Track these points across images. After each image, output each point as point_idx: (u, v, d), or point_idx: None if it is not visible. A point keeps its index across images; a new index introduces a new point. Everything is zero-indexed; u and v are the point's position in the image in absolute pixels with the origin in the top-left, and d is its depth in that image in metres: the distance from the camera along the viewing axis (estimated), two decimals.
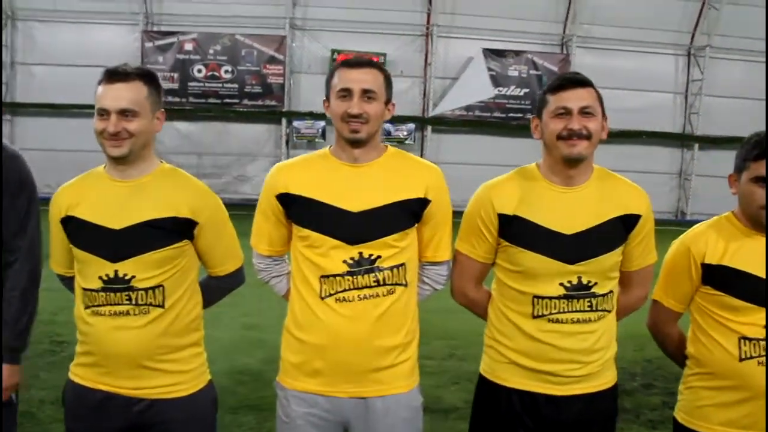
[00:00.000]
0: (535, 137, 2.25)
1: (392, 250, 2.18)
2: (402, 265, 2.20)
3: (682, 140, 17.22)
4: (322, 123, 15.44)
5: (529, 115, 16.03)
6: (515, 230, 2.21)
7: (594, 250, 2.17)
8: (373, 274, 2.15)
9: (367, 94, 2.16)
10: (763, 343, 2.17)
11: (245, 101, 15.27)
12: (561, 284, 2.18)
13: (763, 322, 2.18)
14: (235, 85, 15.40)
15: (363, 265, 2.15)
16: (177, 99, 15.16)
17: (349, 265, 2.15)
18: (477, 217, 2.26)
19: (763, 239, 2.22)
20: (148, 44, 15.03)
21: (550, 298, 2.19)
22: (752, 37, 15.90)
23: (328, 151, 2.27)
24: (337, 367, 2.17)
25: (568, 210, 2.20)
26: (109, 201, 2.16)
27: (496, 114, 15.97)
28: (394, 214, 2.18)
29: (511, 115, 16.10)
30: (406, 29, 15.90)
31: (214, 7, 14.90)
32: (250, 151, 15.60)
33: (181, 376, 2.22)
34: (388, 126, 15.74)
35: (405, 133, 15.93)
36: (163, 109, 2.25)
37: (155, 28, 15.27)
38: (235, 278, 2.38)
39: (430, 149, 16.24)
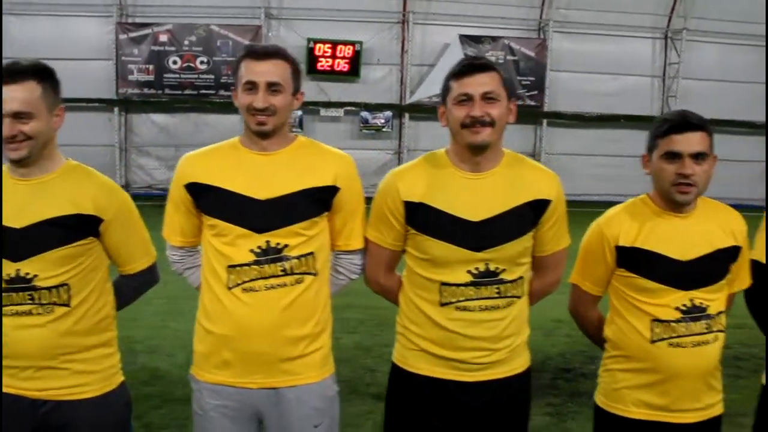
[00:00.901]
0: (442, 125, 2.23)
1: (300, 238, 2.18)
2: (311, 254, 2.20)
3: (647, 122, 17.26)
4: (299, 113, 15.38)
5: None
6: (421, 218, 2.21)
7: (501, 237, 2.17)
8: (281, 264, 2.16)
9: (272, 87, 2.14)
10: (674, 324, 2.19)
11: (221, 92, 15.17)
12: (468, 271, 2.18)
13: (675, 304, 2.19)
14: (211, 76, 15.29)
15: (270, 254, 2.15)
16: (153, 91, 15.05)
17: (256, 254, 2.15)
18: (384, 205, 2.26)
19: (676, 220, 2.24)
20: (123, 36, 14.89)
21: (457, 285, 2.18)
22: (728, 20, 15.94)
23: (238, 140, 2.26)
24: (245, 358, 2.18)
25: (475, 197, 2.19)
26: (10, 201, 2.12)
27: None
28: (302, 202, 2.18)
29: None
30: (383, 17, 15.82)
31: None
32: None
33: (88, 376, 2.19)
34: (365, 114, 15.73)
35: (382, 121, 15.89)
36: (62, 105, 2.18)
37: (129, 20, 15.13)
38: (148, 276, 2.35)
39: (408, 136, 16.22)
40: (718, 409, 2.31)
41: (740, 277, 2.35)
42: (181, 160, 2.29)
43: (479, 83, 2.12)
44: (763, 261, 2.36)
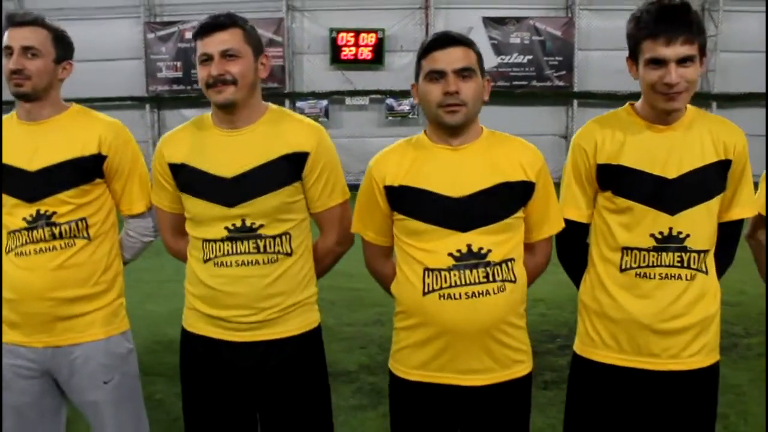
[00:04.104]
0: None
1: (68, 206, 2.26)
2: (82, 219, 2.28)
3: (698, 99, 16.52)
4: (325, 102, 15.51)
5: (534, 83, 15.97)
6: None
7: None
8: (49, 228, 2.25)
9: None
10: (444, 273, 2.00)
11: None
12: (226, 227, 2.17)
13: (448, 249, 2.00)
14: None
15: (39, 221, 2.25)
16: (182, 87, 15.41)
17: (27, 222, 2.25)
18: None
19: (448, 153, 2.06)
20: (150, 35, 15.32)
21: (215, 241, 2.19)
22: None
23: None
24: (26, 319, 2.29)
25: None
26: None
27: (500, 83, 15.65)
28: (67, 171, 2.27)
29: (516, 83, 15.77)
30: (405, 3, 15.68)
31: None
32: None
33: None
34: (390, 101, 15.72)
35: (408, 108, 15.84)
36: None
37: (157, 19, 15.56)
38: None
39: None
40: (516, 371, 2.11)
41: (551, 219, 2.14)
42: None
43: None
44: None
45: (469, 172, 2.05)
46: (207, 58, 2.11)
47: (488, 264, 2.02)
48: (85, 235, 2.29)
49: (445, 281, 2.01)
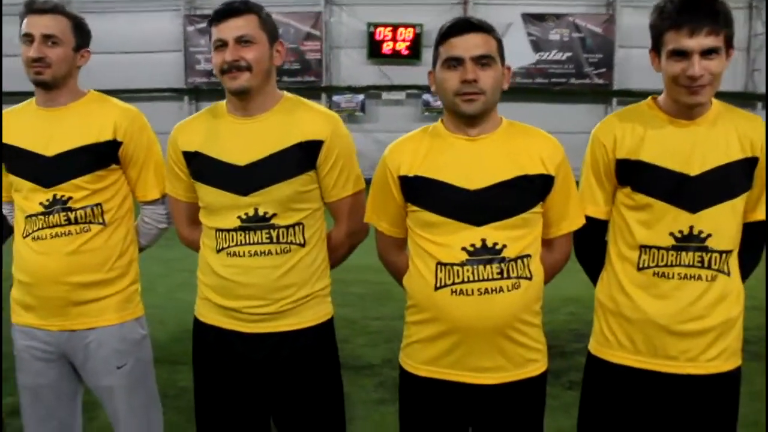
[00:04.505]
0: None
1: (84, 191, 2.28)
2: (98, 205, 2.30)
3: (744, 99, 16.16)
4: (361, 97, 15.50)
5: (572, 80, 15.74)
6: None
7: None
8: (64, 213, 2.27)
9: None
10: (457, 268, 1.94)
11: (284, 78, 15.50)
12: (238, 217, 2.15)
13: (462, 243, 1.94)
14: None
15: (56, 206, 2.27)
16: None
17: (45, 206, 2.27)
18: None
19: (465, 143, 1.99)
20: (190, 28, 15.51)
21: (228, 230, 2.17)
22: None
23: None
24: (42, 303, 2.32)
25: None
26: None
27: (539, 80, 15.51)
28: (82, 157, 2.29)
29: (554, 80, 15.59)
30: None
31: None
32: None
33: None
34: (427, 97, 15.64)
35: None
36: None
37: (197, 12, 15.72)
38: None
39: None
40: (531, 371, 2.05)
41: (570, 214, 2.07)
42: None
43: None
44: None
45: (486, 163, 1.98)
46: (222, 44, 2.10)
47: (503, 260, 1.95)
48: (101, 220, 2.30)
49: (458, 276, 1.95)
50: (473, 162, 1.99)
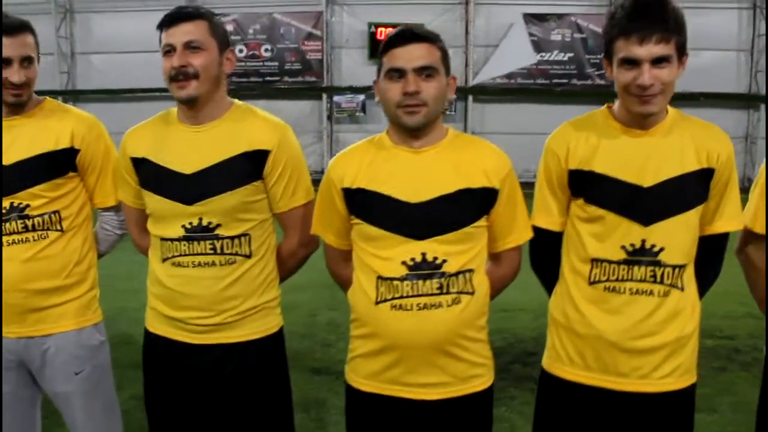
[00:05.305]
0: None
1: (41, 199, 2.28)
2: (55, 212, 2.30)
3: (747, 101, 16.10)
4: (362, 97, 15.52)
5: (574, 81, 15.68)
6: None
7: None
8: (21, 221, 2.27)
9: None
10: (397, 282, 1.90)
11: (286, 78, 15.56)
12: (183, 226, 2.13)
13: (403, 257, 1.90)
14: (275, 63, 15.69)
15: (12, 213, 2.26)
16: None
17: (1, 214, 2.26)
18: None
19: (408, 155, 1.95)
20: None
21: (172, 240, 2.15)
22: None
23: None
24: (3, 309, 2.31)
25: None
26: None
27: (540, 81, 15.50)
28: (39, 166, 2.27)
29: (555, 81, 15.57)
30: None
31: None
32: (294, 127, 15.71)
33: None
34: None
35: (446, 104, 15.72)
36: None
37: None
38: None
39: (473, 119, 15.98)
40: (475, 386, 2.01)
41: (517, 228, 2.04)
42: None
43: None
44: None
45: (429, 176, 1.94)
46: (170, 49, 2.06)
47: (443, 275, 1.91)
48: (58, 227, 2.30)
49: (398, 291, 1.91)
50: (416, 175, 1.96)
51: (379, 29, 15.35)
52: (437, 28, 15.45)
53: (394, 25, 14.32)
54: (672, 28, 1.85)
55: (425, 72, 1.89)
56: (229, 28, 15.52)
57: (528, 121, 14.77)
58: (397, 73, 1.89)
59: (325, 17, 15.55)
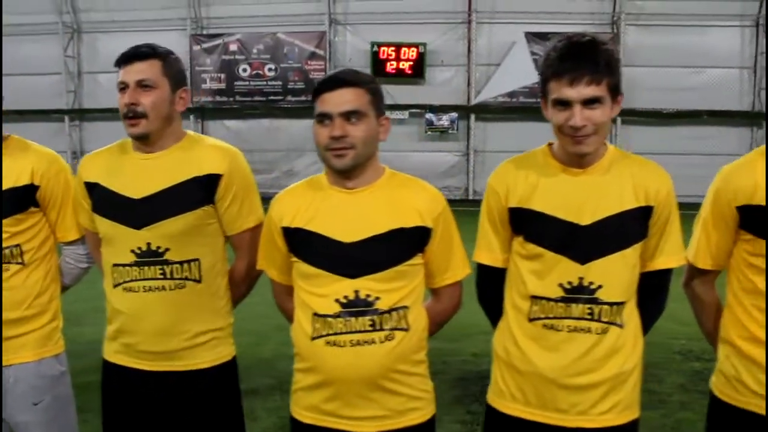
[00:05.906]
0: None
1: (3, 234, 2.32)
2: (16, 246, 2.36)
3: (750, 119, 16.04)
4: None
5: None
6: None
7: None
8: None
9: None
10: (330, 319, 1.95)
11: (289, 97, 15.68)
12: (132, 251, 2.18)
13: (336, 295, 1.95)
14: (279, 83, 15.80)
15: None
16: (225, 98, 15.81)
17: None
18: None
19: (344, 196, 2.02)
20: (196, 47, 15.74)
21: (123, 265, 2.20)
22: None
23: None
24: None
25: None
26: None
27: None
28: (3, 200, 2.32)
29: None
30: (447, 17, 15.71)
31: (256, 8, 15.40)
32: (297, 146, 15.89)
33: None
34: (430, 116, 15.69)
35: (447, 123, 15.79)
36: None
37: (203, 32, 15.95)
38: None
39: (476, 137, 16.02)
40: (412, 419, 2.04)
41: (453, 265, 2.09)
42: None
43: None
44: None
45: (363, 216, 2.00)
46: (124, 87, 2.16)
47: (375, 312, 1.96)
48: (20, 260, 2.35)
49: (331, 328, 1.96)
50: (350, 215, 2.01)
51: (382, 48, 15.45)
52: (439, 47, 15.72)
53: (396, 45, 14.46)
54: (603, 69, 1.88)
55: (352, 116, 1.94)
56: (234, 47, 15.80)
57: (530, 140, 14.41)
58: (326, 118, 1.95)
59: (329, 37, 15.68)
